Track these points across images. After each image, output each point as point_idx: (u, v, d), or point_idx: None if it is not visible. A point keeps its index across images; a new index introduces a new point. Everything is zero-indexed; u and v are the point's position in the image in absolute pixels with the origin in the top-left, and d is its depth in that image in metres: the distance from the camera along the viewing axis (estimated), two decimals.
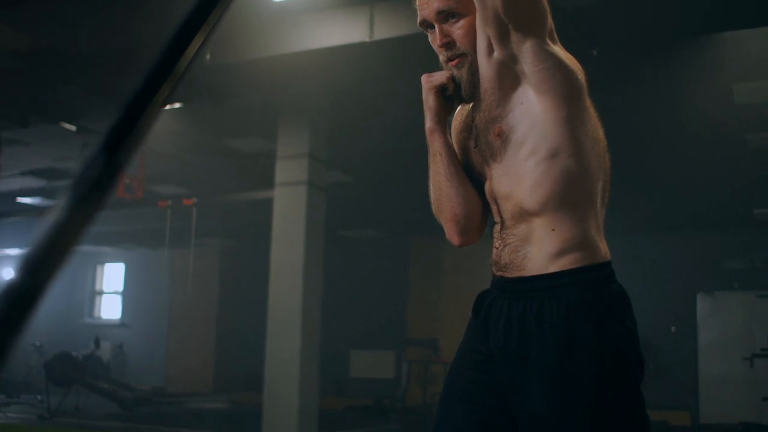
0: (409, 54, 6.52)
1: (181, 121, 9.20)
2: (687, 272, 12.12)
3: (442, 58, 1.84)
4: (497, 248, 1.80)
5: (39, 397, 11.92)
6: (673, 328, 11.44)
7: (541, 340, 1.67)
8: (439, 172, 1.89)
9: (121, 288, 17.87)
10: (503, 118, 1.75)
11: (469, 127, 1.90)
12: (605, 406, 1.63)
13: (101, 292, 18.37)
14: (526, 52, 1.70)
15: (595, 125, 1.81)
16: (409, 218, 12.59)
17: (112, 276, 18.25)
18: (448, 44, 1.80)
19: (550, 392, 1.65)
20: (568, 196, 1.73)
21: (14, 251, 18.45)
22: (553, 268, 1.70)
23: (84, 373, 11.81)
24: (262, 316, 9.34)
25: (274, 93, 8.14)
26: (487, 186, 1.84)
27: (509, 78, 1.74)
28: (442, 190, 1.89)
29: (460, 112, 1.99)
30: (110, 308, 18.07)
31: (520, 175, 1.74)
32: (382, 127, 8.82)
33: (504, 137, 1.75)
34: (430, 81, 1.86)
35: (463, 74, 1.80)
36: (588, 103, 1.81)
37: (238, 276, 15.40)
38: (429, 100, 1.87)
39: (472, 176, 1.90)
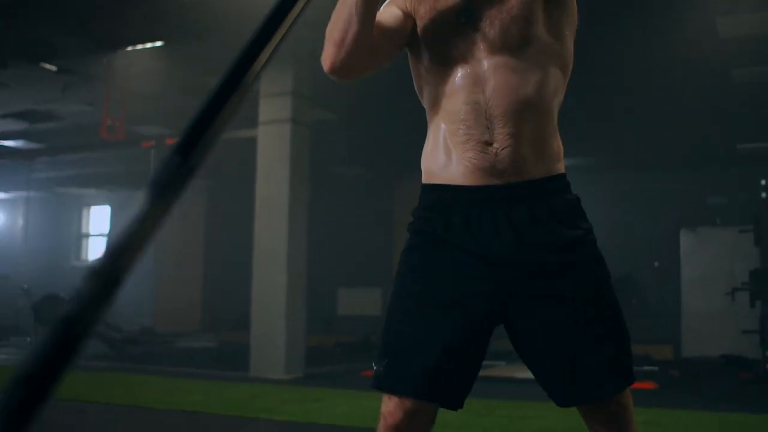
0: None
1: (162, 60, 9.11)
2: (671, 208, 12.21)
3: None
4: (488, 153, 1.71)
5: (28, 339, 11.98)
6: (656, 264, 11.56)
7: (559, 240, 1.74)
8: (347, 4, 1.75)
9: (107, 230, 17.86)
10: (531, 24, 1.75)
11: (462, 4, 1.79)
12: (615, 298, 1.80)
13: (87, 235, 18.37)
14: None
15: None
16: (394, 156, 12.58)
17: (98, 218, 18.23)
18: None
19: (582, 287, 1.74)
20: (557, 106, 1.80)
21: None
22: (556, 171, 1.78)
23: None
24: (249, 255, 9.39)
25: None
26: (475, 71, 1.74)
27: None
28: (344, 16, 1.76)
29: None
30: (97, 251, 18.08)
31: (534, 69, 1.74)
32: None
33: (528, 39, 1.74)
34: None
35: None
36: None
37: (224, 215, 15.41)
38: None
39: (446, 50, 1.79)
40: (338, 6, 1.77)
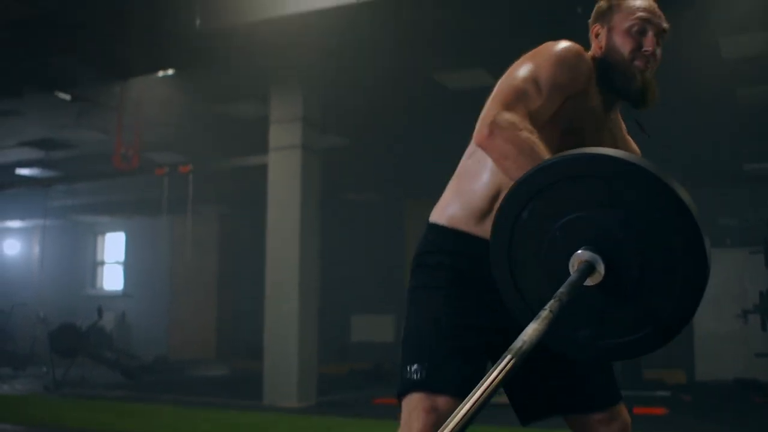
0: (394, 14, 6.56)
1: (174, 88, 9.22)
2: None
3: (635, 54, 2.09)
4: None
5: (44, 369, 12.05)
6: None
7: None
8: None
9: (122, 258, 17.95)
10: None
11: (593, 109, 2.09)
12: None
13: (103, 263, 18.46)
14: None
15: None
16: (406, 180, 12.63)
17: (113, 246, 18.32)
18: (653, 54, 2.09)
19: None
20: None
21: (15, 223, 18.54)
22: None
23: (88, 343, 11.94)
24: (262, 283, 9.43)
25: (265, 57, 8.17)
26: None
27: None
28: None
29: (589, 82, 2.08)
30: (112, 279, 18.18)
31: None
32: (374, 88, 8.85)
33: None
34: None
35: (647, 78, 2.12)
36: None
37: (237, 242, 15.46)
38: None
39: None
40: (524, 158, 1.79)
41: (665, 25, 2.12)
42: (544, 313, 1.36)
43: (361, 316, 14.05)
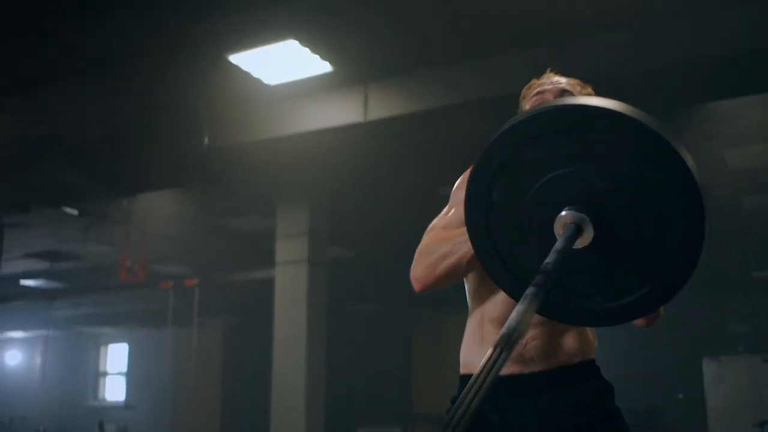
0: (402, 133, 6.63)
1: (181, 202, 9.29)
2: (692, 337, 12.01)
3: None
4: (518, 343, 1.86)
5: None
6: (680, 395, 11.30)
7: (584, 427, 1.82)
8: (457, 253, 1.94)
9: (124, 369, 17.74)
10: None
11: None
12: None
13: (105, 374, 18.24)
14: None
15: None
16: (412, 292, 12.55)
17: (116, 357, 18.14)
18: None
19: None
20: None
21: (17, 334, 18.39)
22: (578, 359, 1.86)
23: None
24: (267, 395, 9.29)
25: (271, 174, 8.24)
26: None
27: None
28: (452, 262, 1.91)
29: None
30: (114, 390, 17.93)
31: None
32: (381, 203, 8.91)
33: None
34: None
35: None
36: None
37: (242, 354, 15.30)
38: None
39: None
40: (444, 247, 1.89)
41: (565, 86, 2.01)
42: (531, 291, 1.18)
43: (368, 429, 13.77)
